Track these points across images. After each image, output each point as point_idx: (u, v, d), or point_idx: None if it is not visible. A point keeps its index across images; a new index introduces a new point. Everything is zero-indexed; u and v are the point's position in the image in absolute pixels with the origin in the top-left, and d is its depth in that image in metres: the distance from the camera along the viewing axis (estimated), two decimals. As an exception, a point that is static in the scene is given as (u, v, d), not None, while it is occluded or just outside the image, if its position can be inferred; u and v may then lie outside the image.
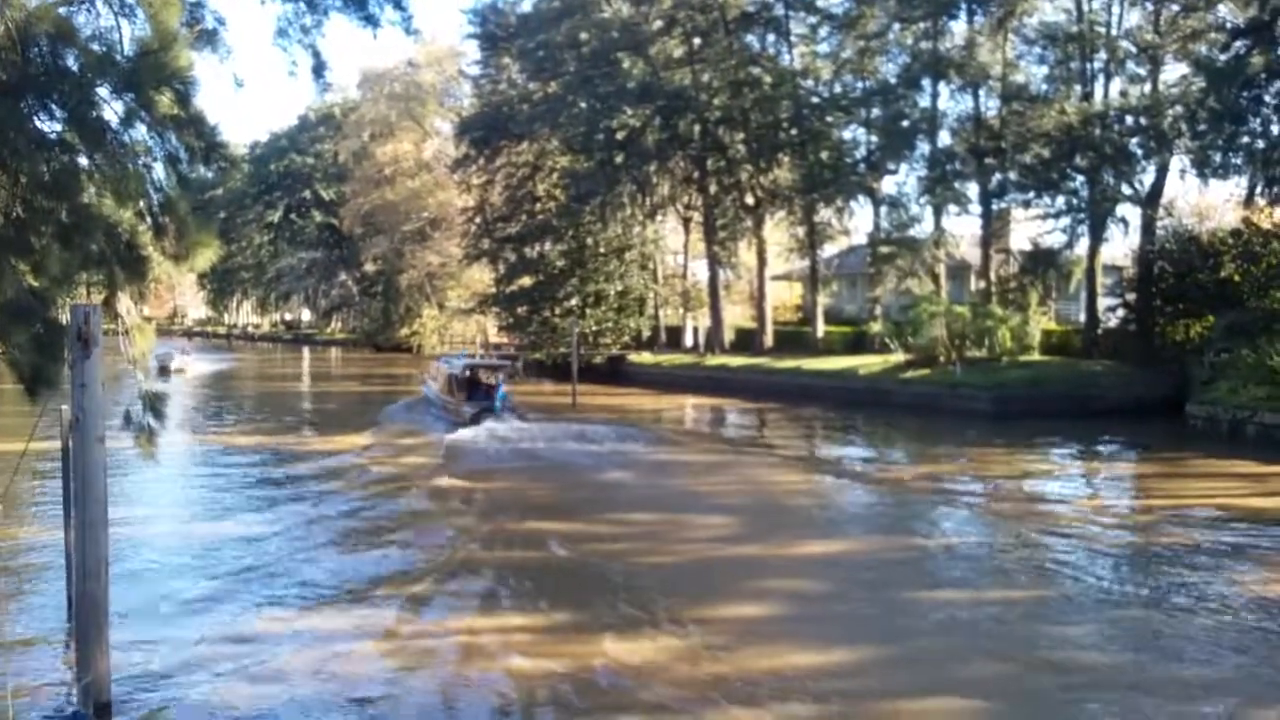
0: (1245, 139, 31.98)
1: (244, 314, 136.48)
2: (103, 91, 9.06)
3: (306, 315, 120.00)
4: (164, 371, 47.02)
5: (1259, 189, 34.57)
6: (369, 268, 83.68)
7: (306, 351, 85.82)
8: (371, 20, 15.69)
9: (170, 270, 10.30)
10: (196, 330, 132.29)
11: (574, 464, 23.14)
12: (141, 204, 9.56)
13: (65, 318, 8.39)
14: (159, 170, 9.63)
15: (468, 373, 31.71)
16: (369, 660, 10.02)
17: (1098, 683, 9.44)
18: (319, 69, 15.78)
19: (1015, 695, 9.26)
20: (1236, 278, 33.17)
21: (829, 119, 46.52)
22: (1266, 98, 31.02)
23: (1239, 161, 33.27)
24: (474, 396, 30.32)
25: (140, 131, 9.37)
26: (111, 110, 9.19)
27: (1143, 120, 37.54)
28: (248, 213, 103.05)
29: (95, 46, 9.30)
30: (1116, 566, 13.86)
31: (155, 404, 10.01)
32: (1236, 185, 37.91)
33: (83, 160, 9.29)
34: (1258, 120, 31.60)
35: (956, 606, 11.90)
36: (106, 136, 9.09)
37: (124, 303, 9.84)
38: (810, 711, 8.87)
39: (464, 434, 26.53)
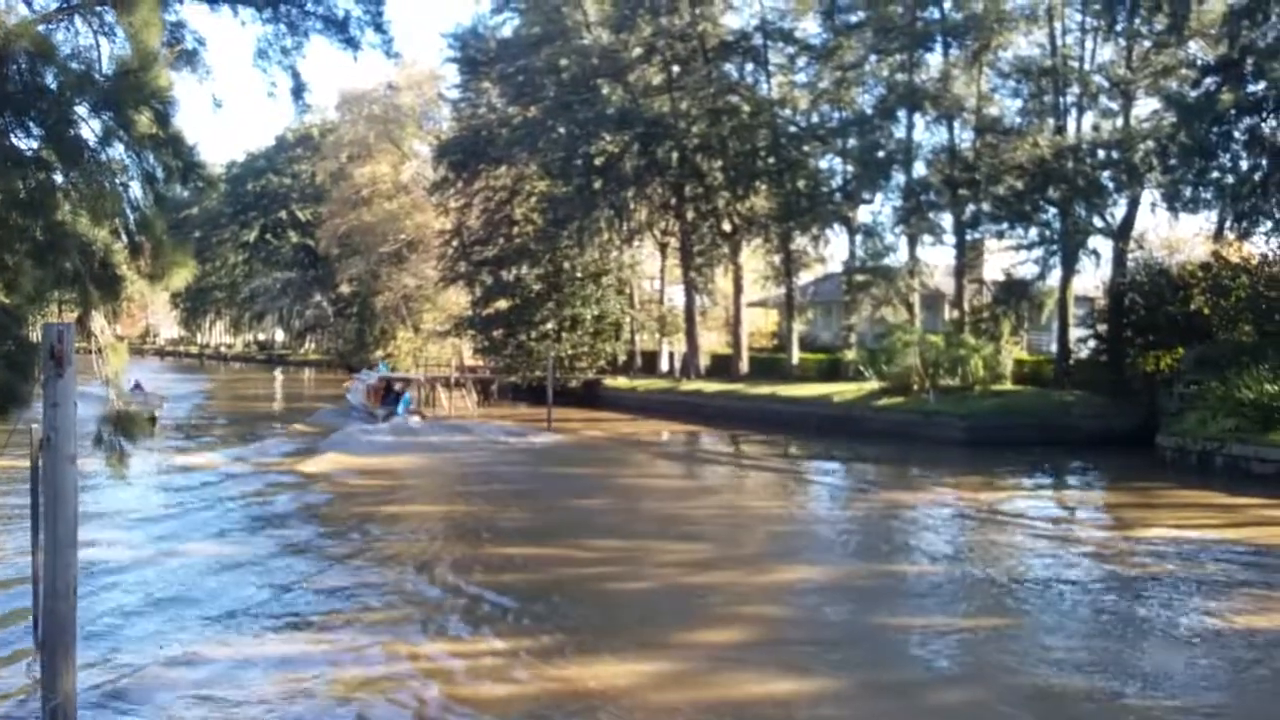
0: (1215, 174, 32.40)
1: (217, 334, 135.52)
2: (81, 110, 9.05)
3: (280, 336, 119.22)
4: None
5: (1228, 223, 35.03)
6: (344, 289, 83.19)
7: (279, 373, 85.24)
8: (352, 43, 15.81)
9: (144, 289, 10.25)
10: (169, 350, 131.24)
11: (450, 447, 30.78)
12: (117, 222, 9.54)
13: (38, 336, 8.33)
14: (136, 189, 9.62)
15: (381, 384, 40.76)
16: (337, 685, 9.93)
17: (1069, 712, 9.48)
18: (298, 90, 15.88)
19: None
20: (1206, 310, 33.52)
21: (806, 148, 46.83)
22: (1236, 134, 31.46)
23: (1209, 196, 33.70)
24: (385, 402, 38.80)
25: (118, 150, 9.37)
26: (89, 128, 9.18)
27: (1114, 154, 37.96)
28: (223, 232, 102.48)
29: (74, 65, 9.30)
30: (1087, 595, 13.93)
31: (126, 424, 9.95)
32: (1206, 219, 38.41)
33: (59, 178, 9.26)
34: (1227, 156, 32.02)
35: (928, 633, 11.93)
36: (84, 154, 9.07)
37: (97, 321, 9.79)
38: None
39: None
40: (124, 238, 9.65)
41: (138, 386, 37.27)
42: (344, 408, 42.29)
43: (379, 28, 15.90)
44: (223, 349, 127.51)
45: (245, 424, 38.44)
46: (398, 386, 40.43)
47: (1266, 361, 27.48)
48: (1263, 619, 12.61)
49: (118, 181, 9.45)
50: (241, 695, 9.51)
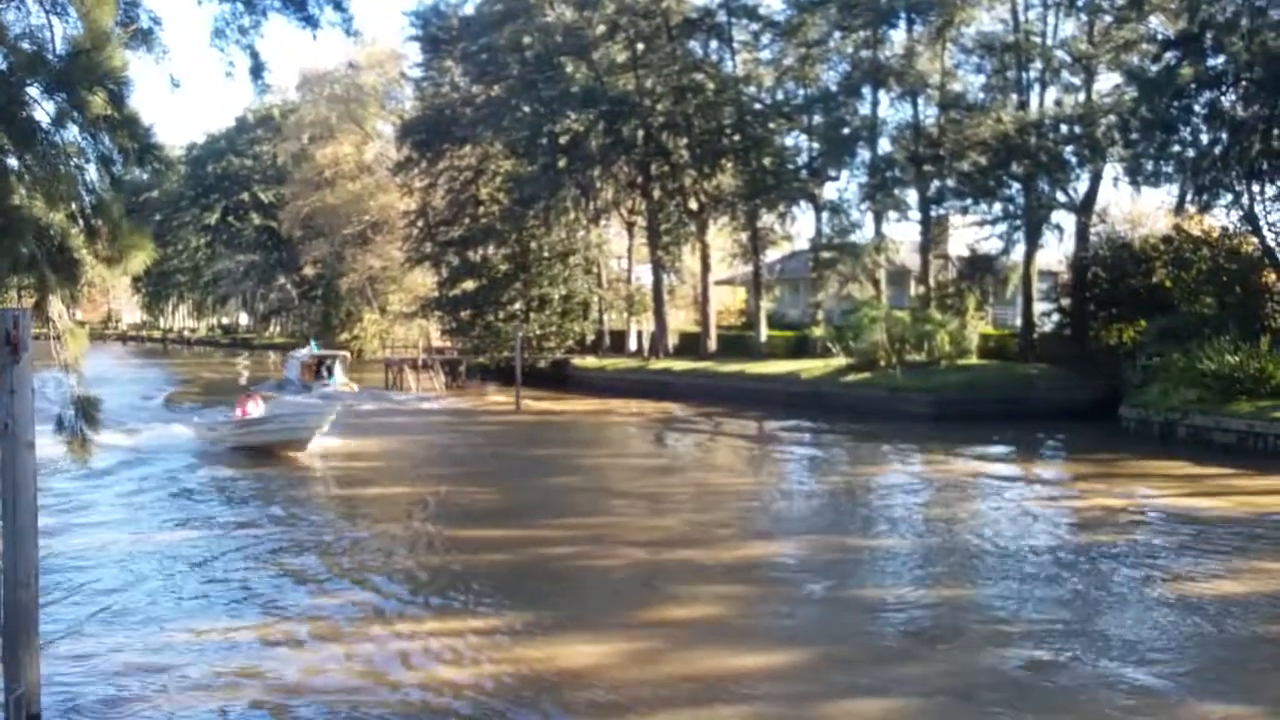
0: (1176, 148, 32.69)
1: (180, 318, 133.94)
2: (33, 91, 8.88)
3: (244, 319, 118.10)
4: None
5: (1189, 197, 35.33)
6: (308, 271, 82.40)
7: (244, 357, 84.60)
8: (311, 21, 15.53)
9: (104, 274, 10.10)
10: (131, 335, 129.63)
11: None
12: (74, 206, 9.38)
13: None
14: (92, 172, 9.46)
15: (314, 360, 47.51)
16: (309, 668, 9.89)
17: (1036, 681, 9.59)
18: (257, 70, 15.56)
19: (955, 694, 9.38)
20: (1168, 283, 33.95)
21: (771, 125, 46.81)
22: (1196, 107, 31.72)
23: (1170, 170, 33.99)
24: (318, 375, 45.82)
25: (72, 132, 9.21)
26: (42, 110, 9.02)
27: (1077, 129, 38.24)
28: (184, 215, 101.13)
29: (25, 45, 9.12)
30: (1054, 565, 14.08)
31: (88, 409, 9.81)
32: (1168, 193, 38.79)
33: (12, 161, 9.09)
34: (1188, 129, 32.29)
35: (896, 606, 12.03)
36: (37, 137, 8.91)
37: (56, 306, 9.63)
38: (755, 711, 8.91)
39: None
40: (81, 221, 9.49)
41: (249, 397, 26.82)
42: (281, 381, 48.44)
43: (338, 5, 15.63)
44: (186, 333, 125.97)
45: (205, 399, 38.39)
46: (328, 362, 47.74)
47: (1227, 333, 27.89)
48: (1228, 585, 12.81)
49: (73, 164, 9.30)
50: (204, 680, 9.45)
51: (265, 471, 22.51)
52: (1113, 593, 12.68)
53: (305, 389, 43.87)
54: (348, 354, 55.47)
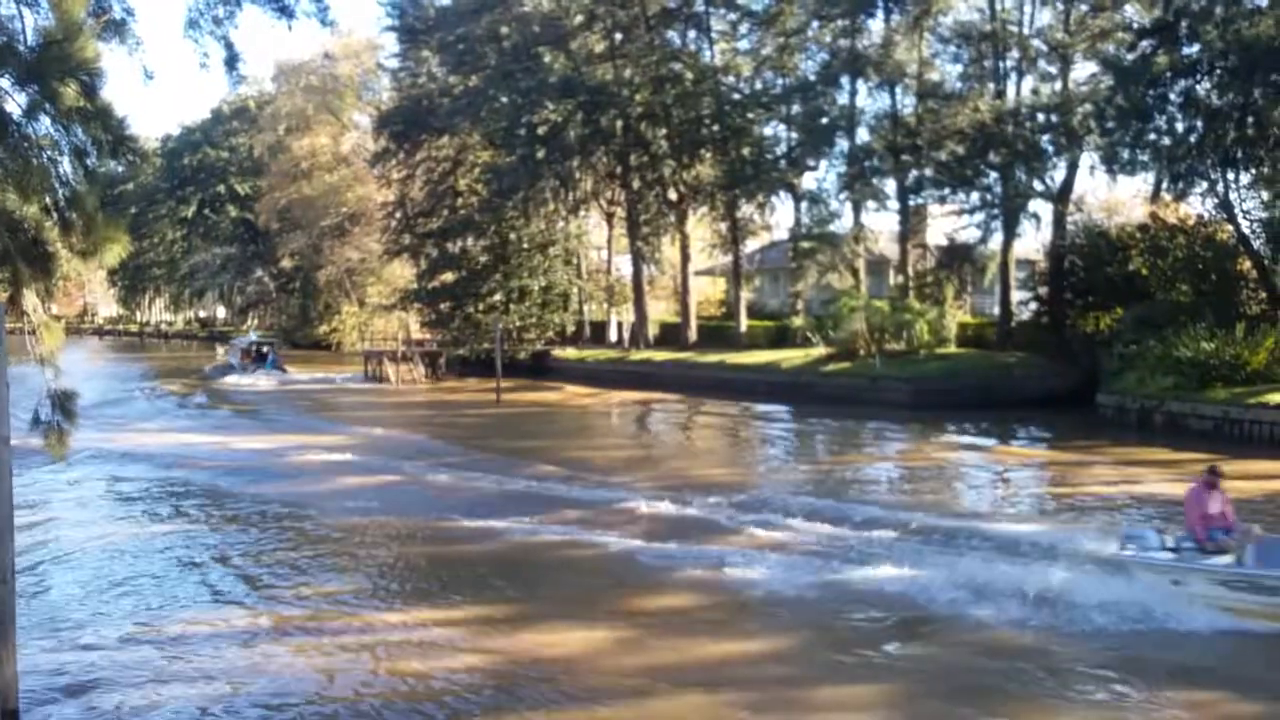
0: (1151, 136, 32.79)
1: (156, 311, 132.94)
2: (4, 83, 8.79)
3: (221, 312, 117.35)
4: None
5: (1165, 185, 35.56)
6: (286, 263, 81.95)
7: (220, 350, 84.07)
8: (286, 11, 15.46)
9: (79, 267, 10.01)
10: (107, 329, 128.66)
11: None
12: (47, 199, 9.30)
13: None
14: (65, 164, 9.37)
15: (253, 347, 55.45)
16: (291, 659, 9.86)
17: (1019, 664, 9.65)
18: (232, 61, 15.47)
19: (936, 675, 9.43)
20: (1144, 271, 34.11)
21: (750, 115, 46.81)
22: (1171, 96, 31.83)
23: (1146, 158, 34.13)
24: (256, 360, 53.05)
25: (45, 124, 9.13)
26: (14, 102, 8.93)
27: (1053, 118, 38.40)
28: (160, 208, 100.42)
29: (-4, 36, 9.02)
30: (1036, 549, 14.15)
31: (65, 403, 9.73)
32: (1144, 181, 39.10)
33: (-17, 153, 8.99)
34: (1163, 118, 32.40)
35: (875, 592, 12.07)
36: (9, 129, 8.82)
37: (30, 300, 9.54)
38: (738, 697, 8.95)
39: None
40: (54, 214, 9.40)
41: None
42: (224, 365, 55.25)
43: (314, -5, 15.54)
44: (163, 327, 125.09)
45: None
46: (265, 350, 54.93)
47: (1203, 320, 28.08)
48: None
49: (46, 156, 9.20)
50: (189, 674, 9.41)
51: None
52: (1094, 577, 12.72)
53: (245, 371, 51.56)
54: (278, 340, 64.41)
